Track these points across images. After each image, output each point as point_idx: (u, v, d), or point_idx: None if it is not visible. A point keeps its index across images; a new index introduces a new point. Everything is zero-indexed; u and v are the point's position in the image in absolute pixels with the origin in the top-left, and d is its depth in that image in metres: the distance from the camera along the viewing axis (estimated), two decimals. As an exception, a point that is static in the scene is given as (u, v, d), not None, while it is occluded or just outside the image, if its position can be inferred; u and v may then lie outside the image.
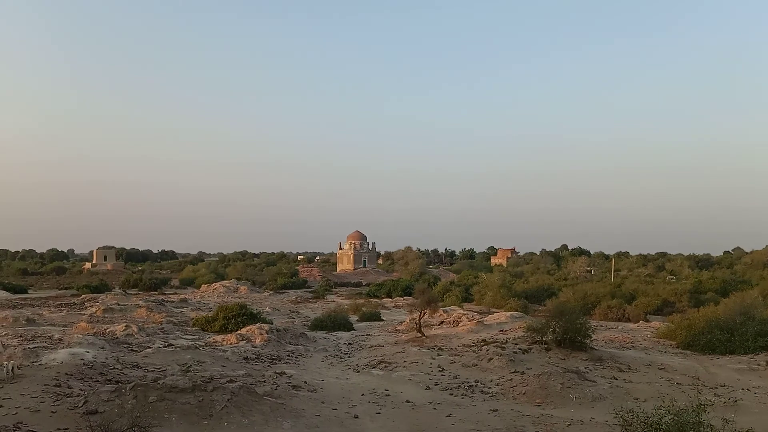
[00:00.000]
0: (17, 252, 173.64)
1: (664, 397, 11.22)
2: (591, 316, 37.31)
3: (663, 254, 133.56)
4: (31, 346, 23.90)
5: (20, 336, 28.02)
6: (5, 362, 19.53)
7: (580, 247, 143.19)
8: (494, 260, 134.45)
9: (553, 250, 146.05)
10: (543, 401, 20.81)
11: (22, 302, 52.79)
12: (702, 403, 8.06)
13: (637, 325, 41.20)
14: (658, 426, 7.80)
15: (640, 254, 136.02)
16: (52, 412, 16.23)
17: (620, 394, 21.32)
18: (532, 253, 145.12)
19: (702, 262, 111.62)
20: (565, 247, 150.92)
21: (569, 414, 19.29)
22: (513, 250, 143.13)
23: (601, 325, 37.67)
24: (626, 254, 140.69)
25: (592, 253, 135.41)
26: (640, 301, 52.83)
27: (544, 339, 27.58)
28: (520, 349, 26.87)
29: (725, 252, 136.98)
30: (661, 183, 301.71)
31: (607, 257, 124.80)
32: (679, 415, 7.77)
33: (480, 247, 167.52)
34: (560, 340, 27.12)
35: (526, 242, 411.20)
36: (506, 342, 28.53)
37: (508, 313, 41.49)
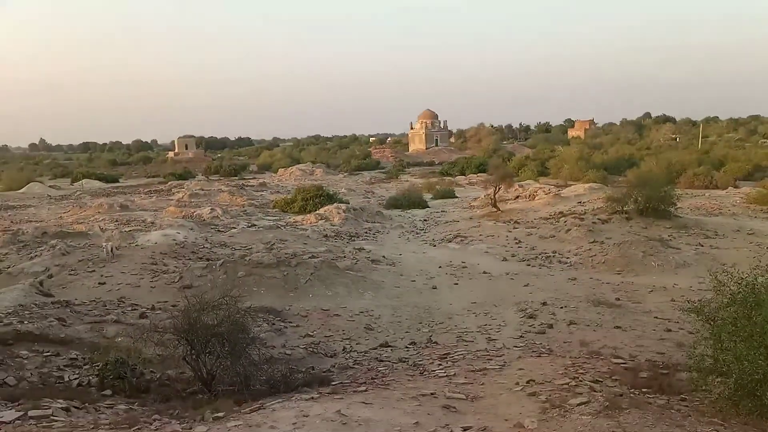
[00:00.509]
0: (105, 144, 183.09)
1: (752, 262, 10.72)
2: (676, 185, 35.67)
3: (756, 117, 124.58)
4: (126, 229, 25.56)
5: (116, 220, 29.96)
6: (105, 243, 20.95)
7: (664, 115, 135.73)
8: (571, 133, 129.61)
9: (635, 119, 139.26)
10: (623, 269, 20.59)
11: (115, 191, 56.21)
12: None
13: (725, 191, 39.29)
14: (753, 286, 7.42)
15: (731, 118, 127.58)
16: (151, 287, 17.54)
17: (706, 260, 20.73)
18: (611, 124, 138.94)
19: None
20: (648, 115, 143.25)
21: (651, 281, 19.04)
22: (591, 122, 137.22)
23: (687, 193, 36.17)
24: (715, 119, 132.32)
25: (677, 120, 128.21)
26: (730, 167, 50.01)
27: (625, 209, 26.83)
28: (599, 219, 26.34)
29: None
30: (756, 31, 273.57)
31: (694, 123, 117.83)
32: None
33: (556, 121, 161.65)
34: (642, 209, 26.32)
35: (606, 112, 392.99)
36: (585, 213, 28.00)
37: (587, 185, 40.40)
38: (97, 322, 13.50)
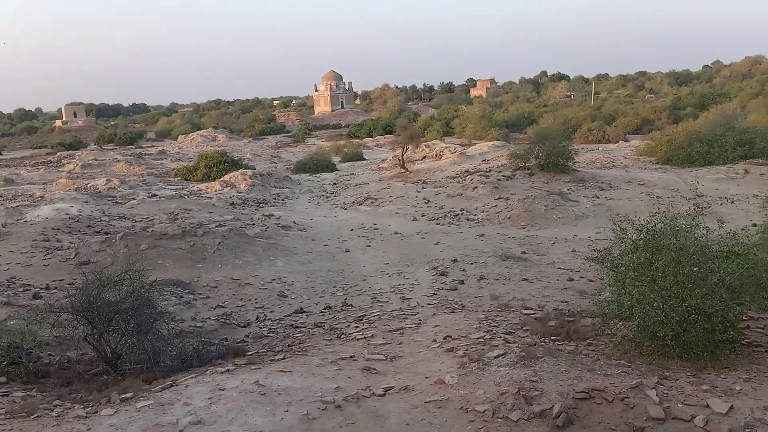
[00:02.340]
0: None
1: (649, 210, 11.36)
2: (572, 140, 37.33)
3: (642, 73, 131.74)
4: (13, 205, 23.59)
5: (0, 196, 27.62)
6: None
7: (559, 73, 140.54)
8: (474, 92, 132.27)
9: (532, 77, 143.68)
10: (528, 224, 21.36)
11: (-3, 164, 51.86)
12: (698, 206, 8.03)
13: (617, 145, 41.60)
14: (654, 233, 7.80)
15: (620, 75, 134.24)
16: (44, 265, 16.32)
17: (602, 211, 21.90)
18: (511, 83, 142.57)
19: (681, 78, 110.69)
20: (544, 73, 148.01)
21: (553, 233, 19.87)
22: (492, 81, 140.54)
23: (582, 148, 37.93)
24: (606, 76, 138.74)
25: (571, 77, 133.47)
26: (620, 121, 52.90)
27: (527, 165, 27.75)
28: (503, 176, 27.11)
29: (704, 66, 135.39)
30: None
31: (586, 81, 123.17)
32: (673, 221, 7.76)
33: (458, 81, 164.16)
34: (543, 164, 27.32)
35: (505, 72, 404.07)
36: (490, 171, 28.70)
37: (490, 143, 41.43)
38: (-16, 306, 12.42)
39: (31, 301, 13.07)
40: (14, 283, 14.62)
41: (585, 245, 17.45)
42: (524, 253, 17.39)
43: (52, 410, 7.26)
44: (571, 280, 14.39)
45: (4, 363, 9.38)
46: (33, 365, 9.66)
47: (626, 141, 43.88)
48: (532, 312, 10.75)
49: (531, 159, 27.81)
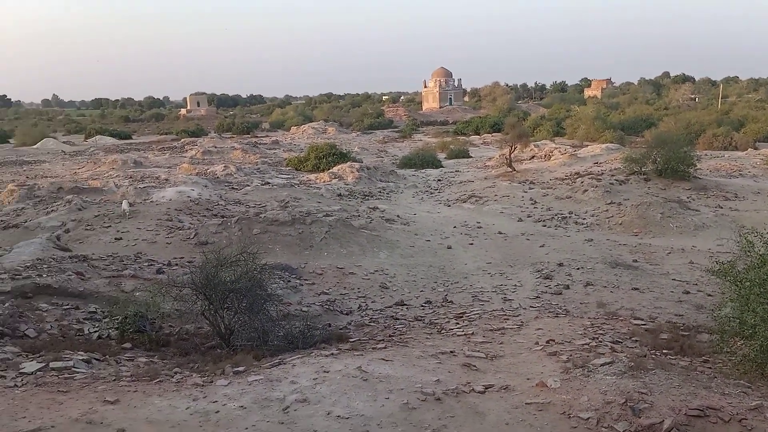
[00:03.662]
0: (117, 100, 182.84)
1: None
2: (694, 146, 35.04)
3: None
4: (141, 186, 25.52)
5: (130, 177, 29.94)
6: (122, 202, 20.90)
7: (683, 74, 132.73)
8: (588, 92, 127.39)
9: (653, 78, 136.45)
10: (641, 231, 20.37)
11: (128, 147, 56.05)
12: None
13: (745, 153, 38.56)
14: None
15: (751, 78, 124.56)
16: (167, 243, 17.57)
17: (725, 222, 20.47)
18: (629, 83, 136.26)
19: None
20: (666, 74, 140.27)
21: (669, 243, 18.83)
22: (608, 81, 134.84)
23: (706, 154, 35.55)
24: (735, 79, 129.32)
25: (696, 79, 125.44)
26: (750, 128, 48.95)
27: (643, 169, 26.44)
28: (616, 180, 25.99)
29: None
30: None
31: (713, 83, 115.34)
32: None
33: (572, 80, 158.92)
34: (661, 170, 25.93)
35: (623, 72, 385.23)
36: (602, 174, 27.63)
37: (603, 146, 39.78)
38: (115, 277, 13.57)
39: (155, 275, 14.11)
40: (140, 258, 15.83)
41: (704, 257, 16.41)
42: (636, 261, 16.62)
43: (173, 376, 7.83)
44: (687, 292, 13.61)
45: (131, 330, 10.20)
46: (155, 334, 10.45)
47: (756, 149, 40.61)
48: (643, 323, 10.29)
49: (648, 164, 26.46)
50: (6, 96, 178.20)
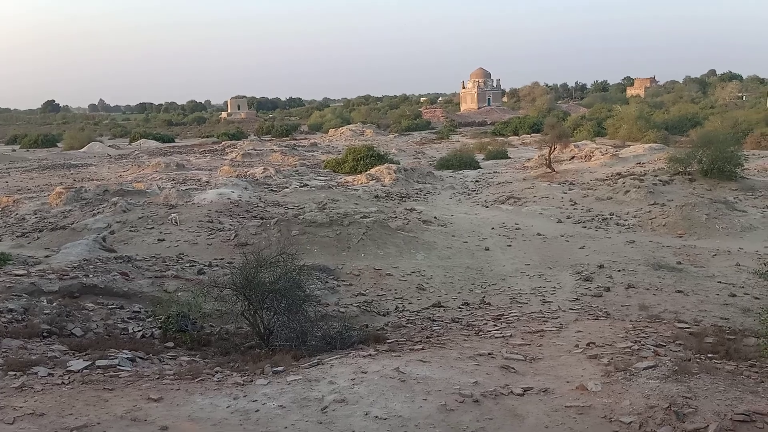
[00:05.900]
0: (161, 105, 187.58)
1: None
2: (742, 145, 33.94)
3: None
4: (183, 188, 26.06)
5: (173, 179, 30.62)
6: (173, 215, 20.88)
7: (730, 72, 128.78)
8: (630, 91, 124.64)
9: (698, 76, 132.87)
10: (685, 232, 19.86)
11: (171, 150, 57.38)
12: None
13: (796, 153, 37.23)
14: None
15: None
16: (208, 244, 17.92)
17: (775, 224, 19.81)
18: (674, 82, 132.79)
19: None
20: (713, 72, 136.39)
21: (715, 245, 18.31)
22: (652, 79, 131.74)
23: (754, 154, 34.43)
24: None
25: (744, 77, 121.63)
26: (800, 126, 47.26)
27: (688, 170, 25.78)
28: (660, 180, 25.40)
29: None
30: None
31: (762, 81, 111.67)
32: None
33: (614, 79, 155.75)
34: (706, 170, 25.24)
35: (668, 70, 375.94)
36: (644, 174, 27.03)
37: (646, 146, 38.92)
38: (158, 277, 13.90)
39: (196, 276, 14.41)
40: (182, 258, 16.18)
41: (751, 259, 15.93)
42: (680, 263, 16.21)
43: (214, 375, 7.98)
44: (734, 296, 13.22)
45: (173, 330, 10.44)
46: (197, 334, 10.67)
47: (807, 148, 39.18)
48: (687, 326, 10.03)
49: (693, 164, 25.79)
50: (54, 101, 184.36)
